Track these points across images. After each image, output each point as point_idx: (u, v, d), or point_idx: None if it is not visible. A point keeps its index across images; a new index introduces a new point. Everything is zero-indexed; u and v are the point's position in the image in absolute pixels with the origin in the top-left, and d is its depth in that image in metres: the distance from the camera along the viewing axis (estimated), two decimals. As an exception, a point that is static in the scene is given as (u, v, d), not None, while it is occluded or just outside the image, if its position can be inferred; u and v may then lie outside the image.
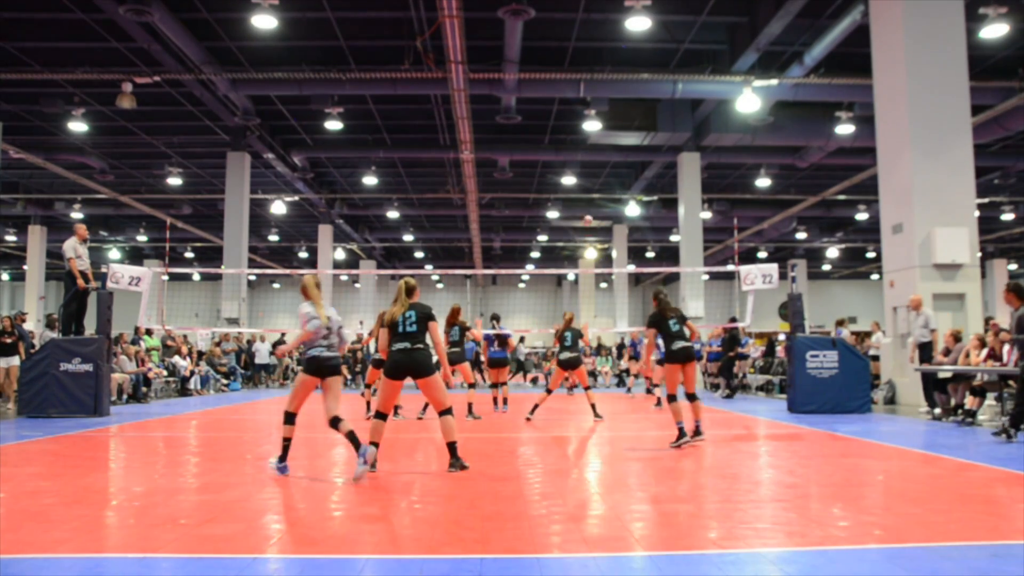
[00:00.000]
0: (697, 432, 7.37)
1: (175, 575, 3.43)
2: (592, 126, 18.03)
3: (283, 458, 5.81)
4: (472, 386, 11.23)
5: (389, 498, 4.96)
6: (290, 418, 5.86)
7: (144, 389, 14.81)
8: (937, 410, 10.45)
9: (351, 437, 5.66)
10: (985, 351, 9.68)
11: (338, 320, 5.97)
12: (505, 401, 12.00)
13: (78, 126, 18.42)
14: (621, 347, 24.34)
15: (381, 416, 5.94)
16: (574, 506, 4.72)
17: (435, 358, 6.07)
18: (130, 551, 3.70)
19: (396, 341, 5.89)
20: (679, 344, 7.33)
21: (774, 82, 15.78)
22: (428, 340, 6.00)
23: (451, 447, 5.97)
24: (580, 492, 5.28)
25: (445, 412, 5.96)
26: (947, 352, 10.56)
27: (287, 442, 5.85)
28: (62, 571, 3.36)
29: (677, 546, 3.80)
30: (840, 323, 15.28)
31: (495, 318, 12.89)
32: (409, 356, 5.84)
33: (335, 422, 5.73)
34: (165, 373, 16.67)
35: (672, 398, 7.46)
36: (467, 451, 7.30)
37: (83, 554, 3.62)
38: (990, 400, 10.19)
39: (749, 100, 15.85)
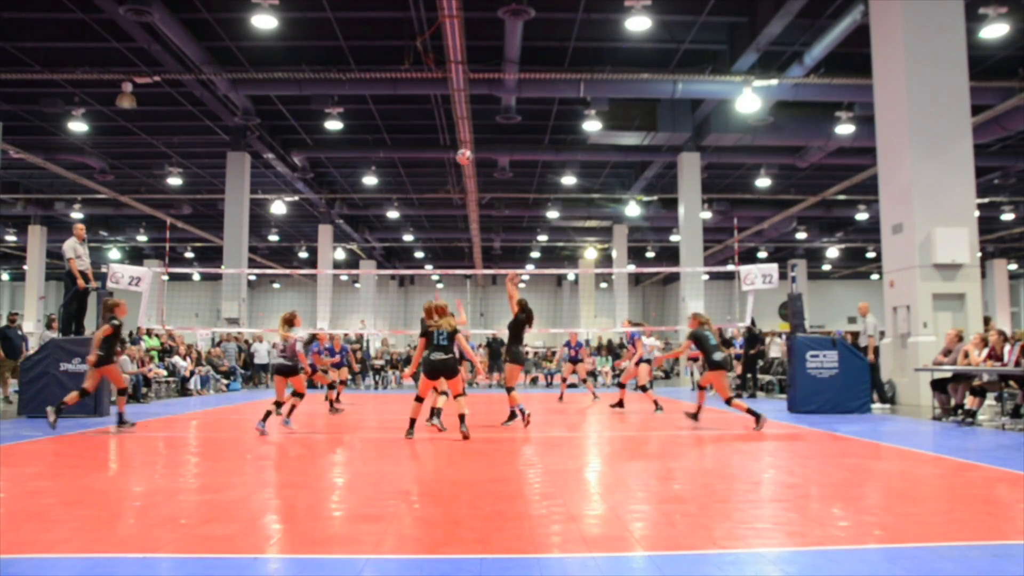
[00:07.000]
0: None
1: (175, 575, 3.43)
2: (592, 126, 18.03)
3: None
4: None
5: (389, 498, 4.95)
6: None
7: (144, 389, 14.80)
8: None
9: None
10: (986, 351, 9.67)
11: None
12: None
13: (78, 126, 18.42)
14: (621, 347, 24.31)
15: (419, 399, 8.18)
16: (574, 506, 4.71)
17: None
18: (130, 551, 3.69)
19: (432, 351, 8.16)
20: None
21: (774, 82, 15.79)
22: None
23: (461, 418, 8.03)
24: (580, 492, 5.27)
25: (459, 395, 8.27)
26: (947, 352, 10.56)
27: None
28: (62, 571, 3.36)
29: (677, 546, 3.79)
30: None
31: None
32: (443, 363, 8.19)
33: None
34: (165, 373, 16.66)
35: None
36: (467, 450, 7.31)
37: (83, 554, 3.61)
38: (990, 400, 10.19)
39: (749, 100, 15.85)
